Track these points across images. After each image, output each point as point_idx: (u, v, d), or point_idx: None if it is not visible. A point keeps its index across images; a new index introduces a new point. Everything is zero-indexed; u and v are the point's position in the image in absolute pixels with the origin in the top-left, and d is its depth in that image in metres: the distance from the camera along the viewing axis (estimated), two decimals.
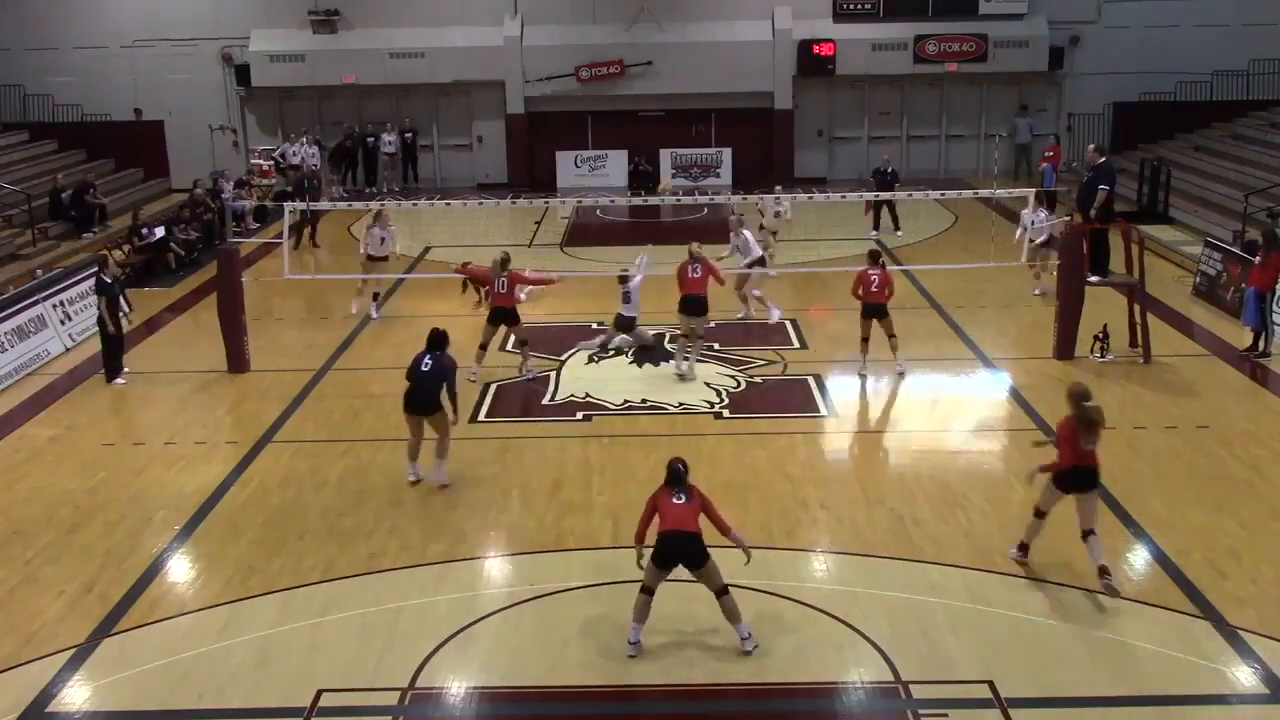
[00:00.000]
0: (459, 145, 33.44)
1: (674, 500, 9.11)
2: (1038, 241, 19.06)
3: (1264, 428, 13.87)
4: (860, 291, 15.58)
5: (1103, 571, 10.00)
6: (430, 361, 12.19)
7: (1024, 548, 10.53)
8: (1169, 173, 25.40)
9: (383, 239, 19.06)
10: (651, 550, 9.13)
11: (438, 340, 12.35)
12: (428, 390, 12.12)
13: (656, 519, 9.14)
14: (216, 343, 16.68)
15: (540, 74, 31.79)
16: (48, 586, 10.46)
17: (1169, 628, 9.48)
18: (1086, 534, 10.08)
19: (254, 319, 17.51)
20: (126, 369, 16.35)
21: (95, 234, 24.62)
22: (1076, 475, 10.02)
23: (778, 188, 23.25)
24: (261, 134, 32.93)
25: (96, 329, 18.59)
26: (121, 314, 16.37)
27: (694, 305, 15.71)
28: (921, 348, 16.64)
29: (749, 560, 9.35)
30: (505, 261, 15.76)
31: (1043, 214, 19.33)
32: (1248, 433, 13.68)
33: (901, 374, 15.72)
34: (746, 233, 18.46)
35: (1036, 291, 19.35)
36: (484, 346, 15.68)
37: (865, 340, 15.72)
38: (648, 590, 9.18)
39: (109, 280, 16.10)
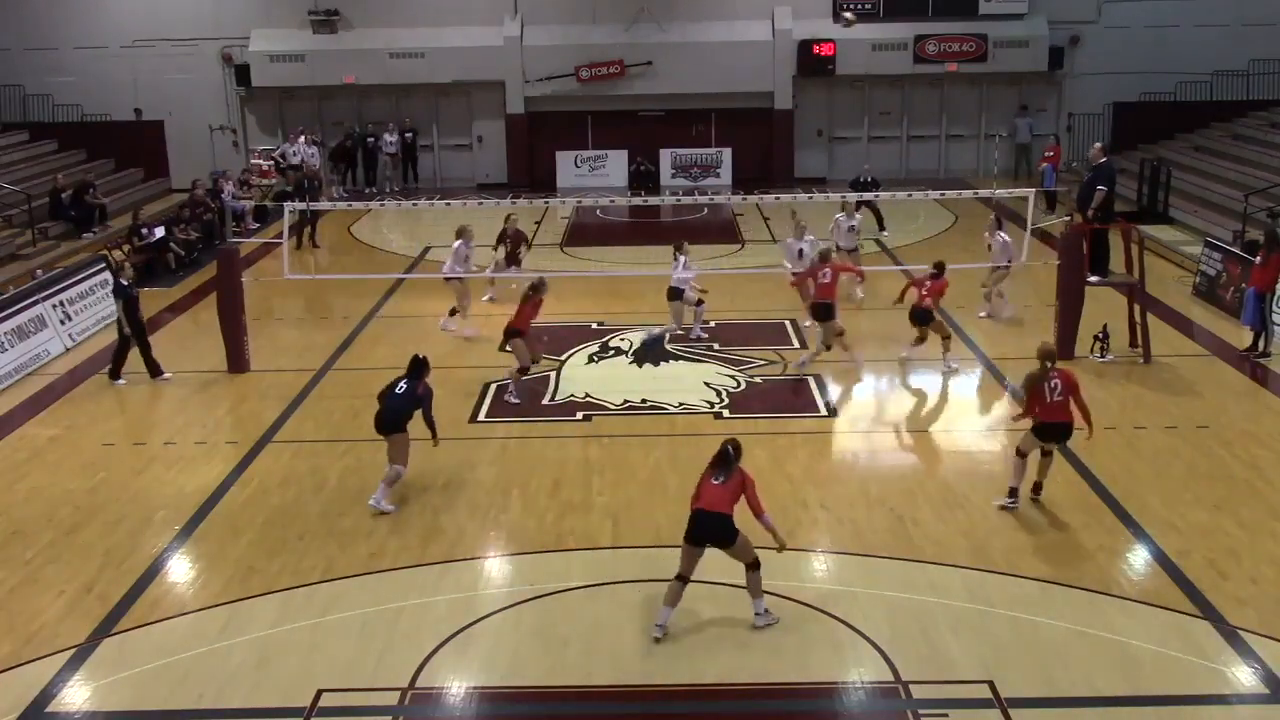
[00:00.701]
0: (459, 145, 33.46)
1: (713, 481, 9.41)
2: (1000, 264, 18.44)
3: (1264, 428, 13.87)
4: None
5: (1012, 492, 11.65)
6: (405, 386, 11.92)
7: (1014, 492, 11.61)
8: (1169, 173, 25.41)
9: (466, 256, 18.17)
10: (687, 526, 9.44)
11: (417, 367, 12.08)
12: (394, 413, 11.87)
13: (697, 492, 9.49)
14: (216, 343, 16.68)
15: (540, 74, 31.80)
16: (48, 586, 10.46)
17: (1169, 628, 9.48)
18: (1037, 486, 11.74)
19: (254, 319, 17.51)
20: (152, 372, 16.27)
21: (95, 234, 24.61)
22: (1049, 428, 11.40)
23: (845, 197, 22.25)
24: (261, 134, 32.94)
25: (96, 330, 18.69)
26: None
27: (822, 311, 15.82)
28: (922, 348, 16.63)
29: (781, 549, 9.51)
30: (536, 287, 15.04)
31: (1001, 237, 18.57)
32: (1248, 433, 13.69)
33: (952, 370, 15.99)
34: (804, 240, 18.53)
35: (983, 314, 18.60)
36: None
37: (920, 341, 16.23)
38: (681, 578, 9.40)
39: (126, 284, 16.02)
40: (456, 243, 18.14)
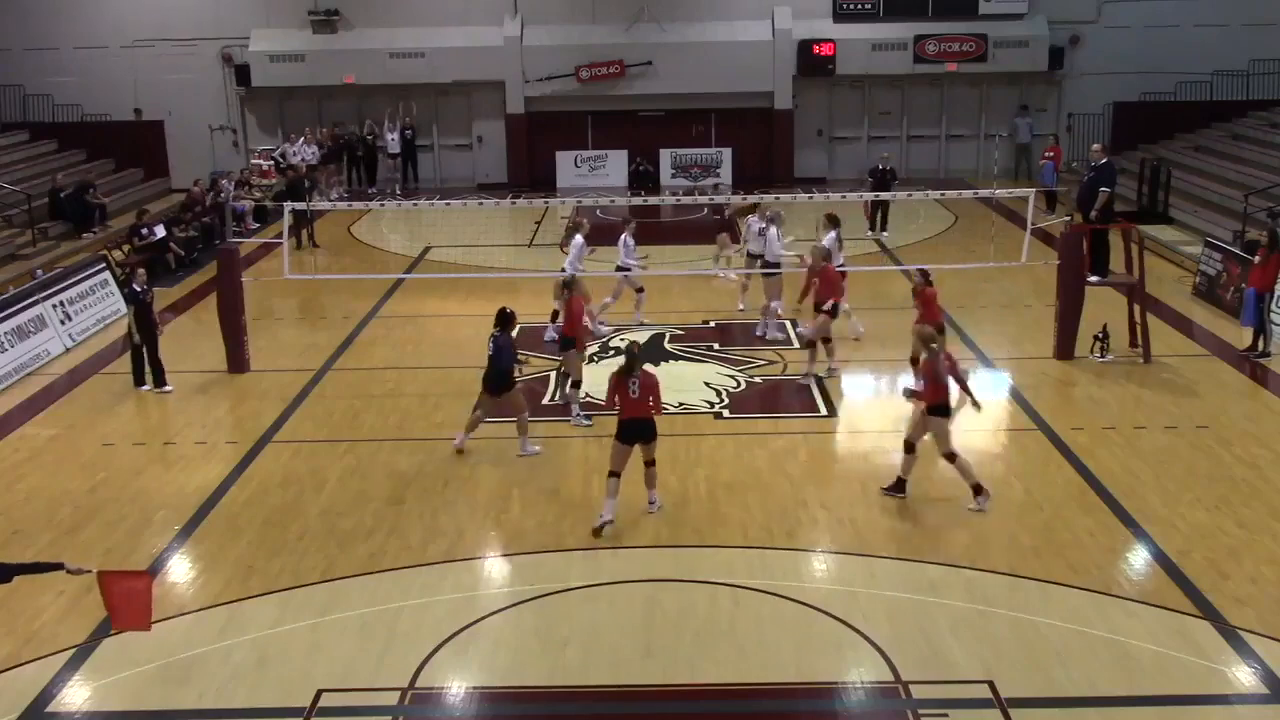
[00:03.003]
0: (459, 145, 33.43)
1: (630, 394, 11.09)
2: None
3: (1264, 428, 13.87)
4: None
5: (977, 490, 11.57)
6: (491, 345, 13.03)
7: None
8: (1169, 173, 25.40)
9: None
10: (616, 430, 11.27)
11: (505, 319, 13.11)
12: (493, 370, 13.00)
13: (620, 403, 11.20)
14: (216, 343, 16.68)
15: (540, 74, 31.78)
16: (48, 586, 10.43)
17: (1169, 628, 9.48)
18: (952, 456, 11.57)
19: (254, 319, 17.51)
20: (169, 386, 16.01)
21: (95, 234, 24.60)
22: (946, 406, 11.59)
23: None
24: (261, 134, 32.92)
25: (96, 330, 18.68)
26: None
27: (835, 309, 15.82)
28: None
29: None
30: (566, 284, 14.81)
31: (832, 235, 17.22)
32: (1248, 433, 13.69)
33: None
34: (774, 230, 17.51)
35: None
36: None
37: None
38: (615, 474, 11.13)
39: (139, 290, 15.88)
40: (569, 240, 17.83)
